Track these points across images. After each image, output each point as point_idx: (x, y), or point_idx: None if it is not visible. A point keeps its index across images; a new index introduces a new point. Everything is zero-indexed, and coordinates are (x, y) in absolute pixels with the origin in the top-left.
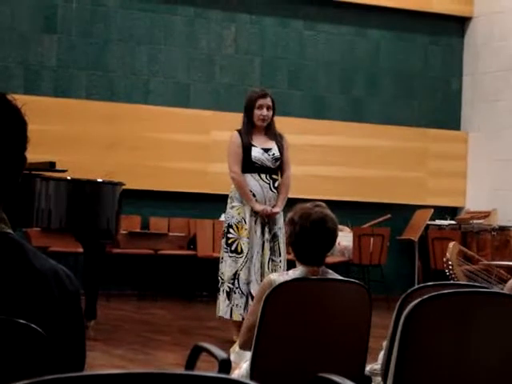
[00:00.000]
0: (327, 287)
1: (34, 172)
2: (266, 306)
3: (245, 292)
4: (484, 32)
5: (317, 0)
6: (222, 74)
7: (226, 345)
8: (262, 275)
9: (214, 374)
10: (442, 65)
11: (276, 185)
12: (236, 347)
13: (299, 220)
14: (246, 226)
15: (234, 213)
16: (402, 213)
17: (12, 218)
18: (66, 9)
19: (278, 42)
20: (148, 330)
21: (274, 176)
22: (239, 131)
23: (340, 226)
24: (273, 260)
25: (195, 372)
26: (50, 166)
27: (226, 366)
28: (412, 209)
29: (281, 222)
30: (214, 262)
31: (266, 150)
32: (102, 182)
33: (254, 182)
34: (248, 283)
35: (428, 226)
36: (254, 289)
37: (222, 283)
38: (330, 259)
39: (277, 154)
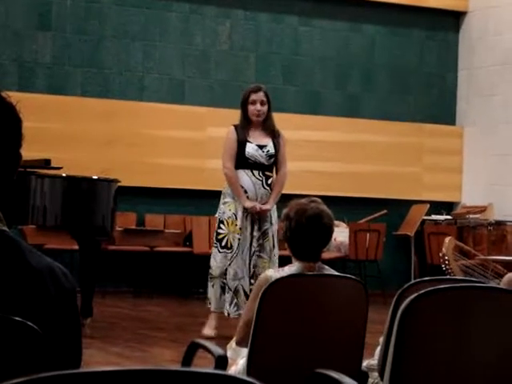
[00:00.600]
0: (323, 283)
1: (29, 169)
2: (262, 302)
3: (231, 288)
4: (479, 26)
5: None
6: (217, 70)
7: (223, 341)
8: (248, 272)
9: (210, 370)
10: (438, 60)
11: (269, 182)
12: (233, 343)
13: (295, 216)
14: (237, 222)
15: (225, 208)
16: (398, 208)
17: (7, 215)
18: (60, 6)
19: (273, 38)
20: (144, 327)
21: (268, 173)
22: (236, 126)
23: (336, 222)
24: (260, 257)
25: (192, 368)
26: (45, 163)
27: (222, 362)
28: (408, 204)
29: (274, 218)
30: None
31: (261, 147)
32: (98, 179)
33: (246, 178)
34: (237, 279)
35: (424, 221)
36: (245, 285)
37: (213, 278)
38: (326, 255)
39: (271, 151)
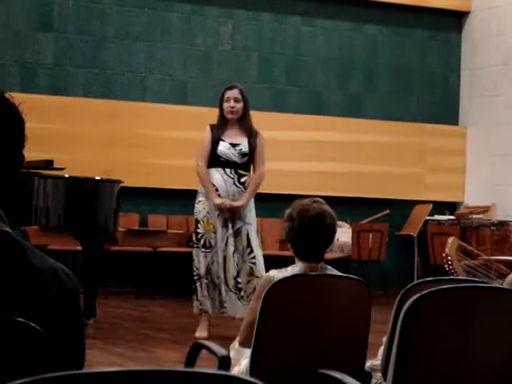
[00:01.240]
0: (326, 283)
1: (31, 170)
2: (265, 303)
3: (217, 285)
4: (482, 27)
5: None
6: (220, 70)
7: (226, 342)
8: (227, 270)
9: (213, 370)
10: (440, 60)
11: (242, 180)
12: (236, 344)
13: (297, 216)
14: (212, 221)
15: (200, 208)
16: (401, 208)
17: (10, 216)
18: (62, 6)
19: (275, 38)
20: (147, 328)
21: (241, 171)
22: (212, 126)
23: (339, 222)
24: (237, 255)
25: (195, 369)
26: (48, 164)
27: (225, 362)
28: (411, 204)
29: (250, 218)
30: None
31: (234, 145)
32: (100, 180)
33: (217, 175)
34: (218, 277)
35: (427, 221)
36: (227, 282)
37: (199, 278)
38: (328, 255)
39: (244, 149)
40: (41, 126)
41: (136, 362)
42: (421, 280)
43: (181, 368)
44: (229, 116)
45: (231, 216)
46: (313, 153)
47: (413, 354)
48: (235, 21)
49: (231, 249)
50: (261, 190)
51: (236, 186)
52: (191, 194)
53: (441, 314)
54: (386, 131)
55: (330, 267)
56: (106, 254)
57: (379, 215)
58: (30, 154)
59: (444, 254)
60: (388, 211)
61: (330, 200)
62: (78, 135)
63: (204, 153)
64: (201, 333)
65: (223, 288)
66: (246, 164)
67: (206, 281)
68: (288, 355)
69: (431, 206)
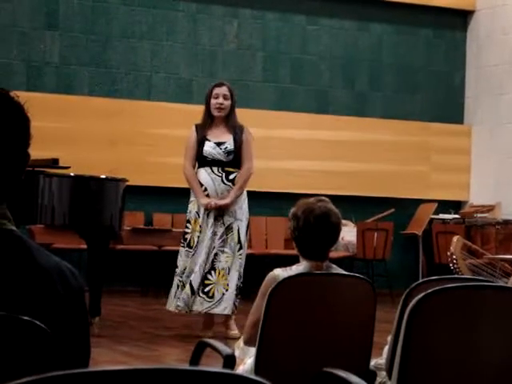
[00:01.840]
0: (331, 282)
1: (37, 169)
2: (270, 302)
3: (183, 283)
4: (487, 25)
5: None
6: (225, 69)
7: (230, 340)
8: (212, 268)
9: (218, 369)
10: (445, 58)
11: (231, 177)
12: (241, 343)
13: (302, 215)
14: (199, 220)
15: (191, 207)
16: (406, 207)
17: (16, 215)
18: (67, 5)
19: (281, 37)
20: (152, 326)
21: (228, 169)
22: (197, 126)
23: (344, 221)
24: (223, 252)
25: (200, 367)
26: (53, 162)
27: (230, 361)
28: (416, 203)
29: (241, 214)
30: None
31: (219, 144)
32: (106, 179)
33: (205, 175)
34: (189, 276)
35: (432, 220)
36: (195, 280)
37: (175, 276)
38: (333, 254)
39: (230, 147)
40: (46, 125)
41: (141, 361)
42: (426, 279)
43: (186, 366)
44: (216, 113)
45: (222, 214)
46: (317, 152)
47: (417, 353)
48: (240, 20)
49: (216, 246)
50: (265, 189)
51: (224, 183)
52: None
53: (446, 313)
54: (391, 130)
55: (334, 266)
56: (111, 252)
57: (384, 214)
58: (36, 152)
59: (449, 253)
60: (393, 210)
61: (334, 199)
62: (84, 134)
63: (190, 154)
64: (205, 332)
65: (188, 284)
66: (232, 161)
67: (179, 280)
68: (293, 354)
69: (436, 204)
